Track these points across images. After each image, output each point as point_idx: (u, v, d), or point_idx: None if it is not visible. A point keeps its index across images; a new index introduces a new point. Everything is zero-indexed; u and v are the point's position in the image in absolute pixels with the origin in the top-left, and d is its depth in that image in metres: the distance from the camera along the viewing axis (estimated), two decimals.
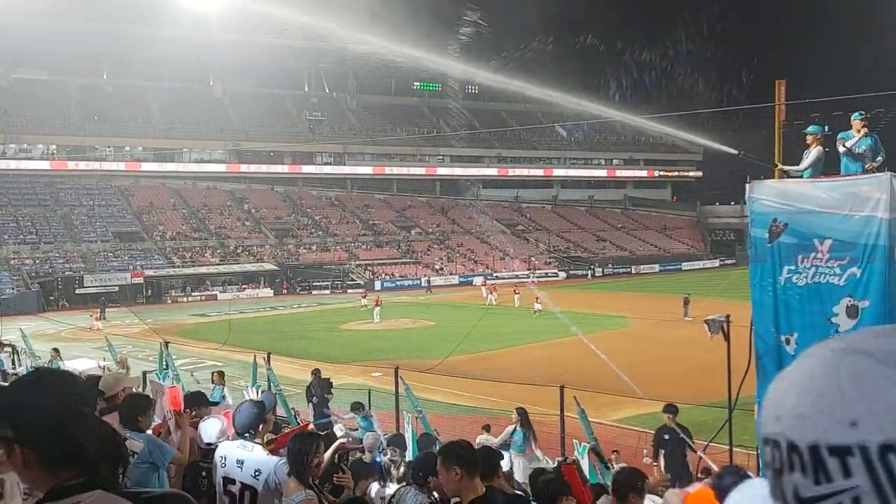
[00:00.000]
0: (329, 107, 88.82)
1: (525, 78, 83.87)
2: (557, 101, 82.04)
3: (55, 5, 61.55)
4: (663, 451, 10.92)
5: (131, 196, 70.32)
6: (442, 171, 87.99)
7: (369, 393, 16.12)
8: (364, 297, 45.96)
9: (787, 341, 7.78)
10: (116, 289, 53.94)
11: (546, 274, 67.62)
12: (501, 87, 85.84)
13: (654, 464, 10.88)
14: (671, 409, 11.21)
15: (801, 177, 8.56)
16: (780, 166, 8.85)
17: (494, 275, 65.08)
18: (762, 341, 8.06)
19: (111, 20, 67.75)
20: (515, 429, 11.49)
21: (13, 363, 17.24)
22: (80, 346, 27.78)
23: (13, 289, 50.43)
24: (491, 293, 47.24)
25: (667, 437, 10.96)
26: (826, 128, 8.90)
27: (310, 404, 16.17)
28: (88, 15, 65.95)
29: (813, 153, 8.44)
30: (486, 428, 13.06)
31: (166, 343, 16.97)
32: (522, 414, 11.79)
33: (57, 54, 72.22)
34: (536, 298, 40.16)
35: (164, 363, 16.12)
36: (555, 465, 8.03)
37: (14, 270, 54.28)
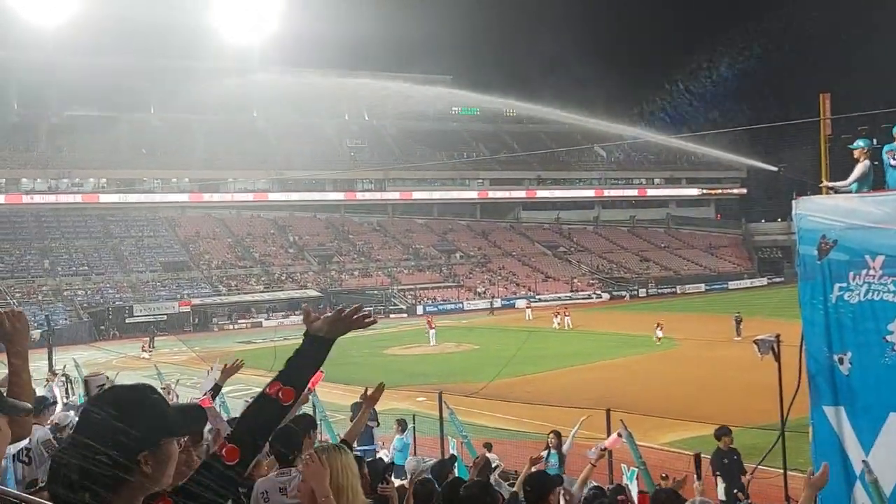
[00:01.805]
0: (369, 134, 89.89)
1: (566, 102, 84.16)
2: (599, 127, 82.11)
3: (104, 45, 63.72)
4: (720, 475, 10.68)
5: (178, 226, 71.87)
6: (482, 194, 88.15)
7: (413, 417, 16.07)
8: (430, 324, 43.92)
9: (841, 361, 7.56)
10: (165, 317, 55.01)
11: (590, 295, 67.03)
12: (543, 115, 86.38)
13: (739, 494, 10.58)
14: (725, 431, 10.99)
15: (850, 192, 8.36)
16: (824, 183, 8.65)
17: (537, 297, 64.76)
18: (814, 361, 7.85)
19: (157, 57, 69.91)
20: (550, 452, 11.38)
21: (66, 392, 17.60)
22: (131, 375, 28.30)
23: (66, 319, 51.74)
24: (555, 316, 45.74)
25: (726, 461, 10.73)
26: (875, 141, 8.70)
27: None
28: (136, 52, 68.17)
29: (858, 167, 8.25)
30: (488, 446, 12.95)
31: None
32: (558, 437, 11.72)
33: (106, 92, 74.60)
34: (658, 325, 36.60)
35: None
36: (606, 489, 7.88)
37: (67, 301, 55.76)
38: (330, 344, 2.24)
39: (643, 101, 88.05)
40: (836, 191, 8.54)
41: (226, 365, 6.35)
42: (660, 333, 35.99)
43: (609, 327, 43.40)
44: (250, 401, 2.27)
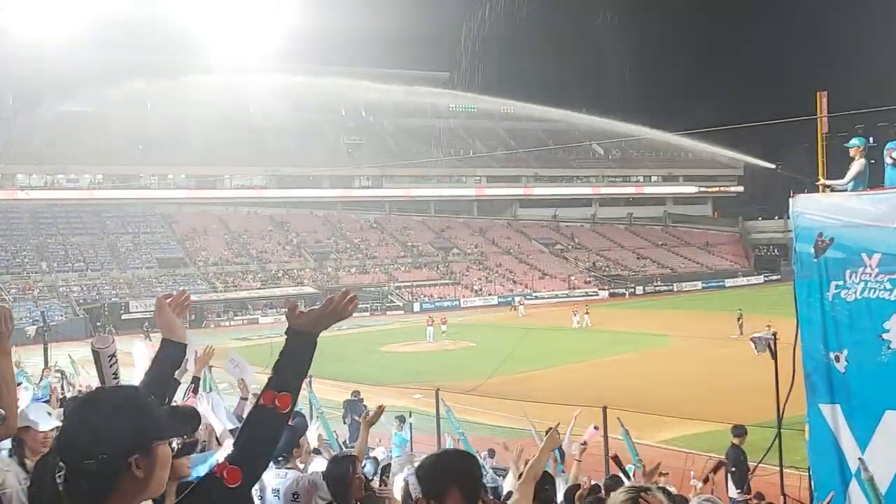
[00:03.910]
0: (366, 130, 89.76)
1: (563, 99, 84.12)
2: (595, 123, 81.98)
3: (99, 40, 63.47)
4: (735, 471, 10.73)
5: (175, 223, 71.71)
6: (479, 191, 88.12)
7: (410, 415, 16.07)
8: (444, 322, 43.41)
9: (837, 359, 7.57)
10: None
11: (587, 293, 66.99)
12: (540, 113, 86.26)
13: (742, 493, 10.60)
14: (744, 431, 11.06)
15: (845, 190, 8.37)
16: (822, 181, 8.64)
17: (534, 294, 64.76)
18: (810, 359, 7.85)
19: (153, 52, 69.67)
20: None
21: (62, 388, 17.54)
22: (127, 371, 28.20)
23: (62, 315, 51.61)
24: (574, 314, 44.35)
25: (742, 458, 10.81)
26: (871, 139, 8.70)
27: (345, 425, 16.26)
28: (132, 48, 67.94)
29: (854, 166, 8.26)
30: (491, 452, 12.92)
31: (209, 367, 17.10)
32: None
33: (102, 87, 74.26)
34: (769, 327, 33.96)
35: (209, 387, 16.27)
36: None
37: (63, 297, 55.61)
38: (315, 338, 2.07)
39: (640, 98, 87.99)
40: (833, 189, 8.54)
41: (196, 353, 6.13)
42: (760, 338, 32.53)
43: (632, 326, 42.19)
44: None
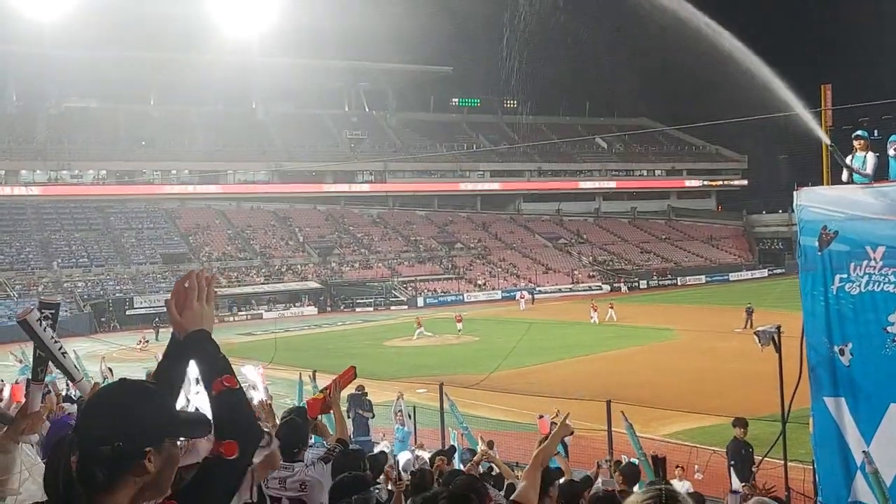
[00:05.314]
0: (369, 125, 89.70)
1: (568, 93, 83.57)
2: (599, 120, 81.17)
3: (103, 36, 63.48)
4: (734, 464, 10.73)
5: (178, 219, 71.81)
6: (482, 185, 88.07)
7: (414, 409, 16.11)
8: (459, 320, 41.75)
9: (842, 352, 7.57)
10: (165, 309, 54.95)
11: (590, 287, 66.94)
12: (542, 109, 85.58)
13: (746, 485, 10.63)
14: (743, 422, 11.06)
15: (850, 182, 8.35)
16: (849, 165, 8.55)
17: (537, 289, 64.77)
18: (815, 352, 7.85)
19: (157, 48, 69.74)
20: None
21: (67, 384, 17.60)
22: (132, 366, 28.32)
23: (66, 311, 51.65)
24: (594, 311, 42.55)
25: (743, 451, 10.81)
26: (875, 132, 8.67)
27: (349, 419, 16.34)
28: (135, 44, 67.97)
29: (870, 157, 8.25)
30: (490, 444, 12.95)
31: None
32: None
33: (105, 83, 74.39)
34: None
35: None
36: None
37: (67, 293, 55.73)
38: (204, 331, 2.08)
39: (644, 90, 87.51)
40: (853, 180, 8.46)
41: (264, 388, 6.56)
42: None
43: (642, 321, 41.76)
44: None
